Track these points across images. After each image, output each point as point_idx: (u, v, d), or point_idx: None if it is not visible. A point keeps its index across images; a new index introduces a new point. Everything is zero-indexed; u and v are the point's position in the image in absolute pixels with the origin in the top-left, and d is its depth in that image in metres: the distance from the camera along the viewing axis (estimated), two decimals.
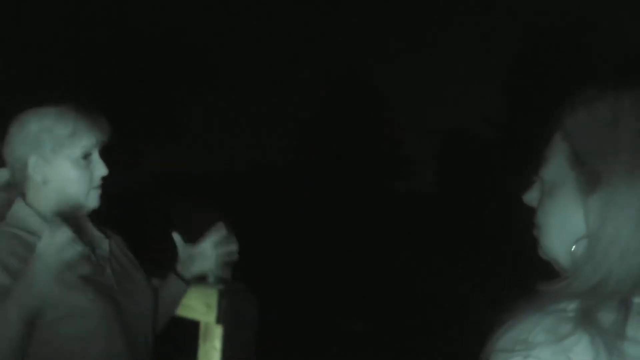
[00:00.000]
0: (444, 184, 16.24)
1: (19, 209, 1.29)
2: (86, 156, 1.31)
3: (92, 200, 1.34)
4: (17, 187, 1.33)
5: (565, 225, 0.74)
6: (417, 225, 12.33)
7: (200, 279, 2.12)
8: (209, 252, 1.56)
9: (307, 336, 6.29)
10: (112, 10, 16.10)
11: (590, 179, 0.71)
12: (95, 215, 1.42)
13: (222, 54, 17.74)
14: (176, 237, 1.55)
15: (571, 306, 0.67)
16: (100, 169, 1.33)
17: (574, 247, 0.72)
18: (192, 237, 2.10)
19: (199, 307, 2.02)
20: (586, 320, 0.65)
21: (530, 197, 0.81)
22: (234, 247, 1.58)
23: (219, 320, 1.97)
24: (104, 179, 1.35)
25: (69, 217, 1.32)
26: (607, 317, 0.65)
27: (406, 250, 10.39)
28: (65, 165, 1.29)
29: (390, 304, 7.48)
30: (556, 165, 0.76)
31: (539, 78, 13.77)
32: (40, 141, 1.27)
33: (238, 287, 2.07)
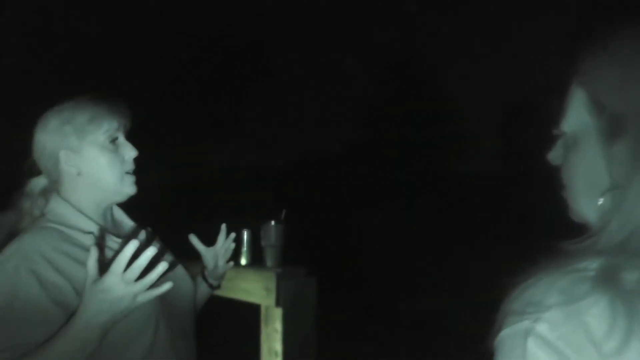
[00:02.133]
0: (509, 161, 15.80)
1: (57, 205, 1.30)
2: (112, 140, 1.31)
3: (128, 185, 1.34)
4: (54, 190, 1.33)
5: (592, 179, 0.68)
6: (483, 206, 12.07)
7: (260, 263, 2.16)
8: (218, 250, 1.56)
9: (369, 318, 6.31)
10: (169, 8, 16.46)
11: (612, 124, 0.64)
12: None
13: (277, 44, 17.75)
14: (193, 239, 1.53)
15: (593, 265, 0.61)
16: (130, 152, 1.33)
17: (600, 201, 0.66)
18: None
19: (259, 290, 2.06)
20: (606, 280, 0.59)
21: (555, 155, 0.75)
22: (230, 244, 1.56)
23: (279, 303, 2.00)
24: (136, 162, 1.34)
25: (107, 207, 1.35)
26: (631, 276, 0.59)
27: (472, 232, 10.19)
28: (93, 152, 1.29)
29: (455, 285, 7.38)
30: (576, 116, 0.70)
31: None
32: (64, 133, 1.28)
33: (297, 271, 2.09)
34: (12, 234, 1.28)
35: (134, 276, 1.09)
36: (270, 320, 2.05)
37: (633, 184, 0.62)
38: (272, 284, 2.02)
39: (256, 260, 2.15)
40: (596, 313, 0.58)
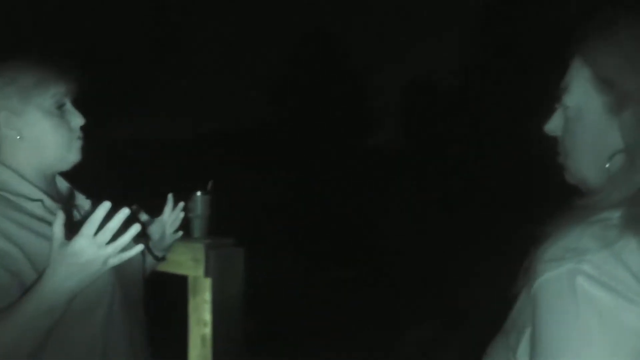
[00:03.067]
0: (412, 136, 16.38)
1: None
2: (60, 106, 1.25)
3: (74, 153, 1.29)
4: None
5: (597, 145, 0.77)
6: (389, 178, 12.49)
7: (187, 235, 2.15)
8: (165, 219, 1.55)
9: (296, 285, 6.44)
10: None
11: (619, 97, 0.74)
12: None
13: (186, 16, 17.30)
14: (135, 211, 1.48)
15: (615, 215, 0.70)
16: (77, 119, 1.27)
17: (608, 164, 0.75)
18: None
19: (187, 262, 2.05)
20: (633, 224, 0.68)
21: (553, 126, 0.84)
22: (179, 214, 1.56)
23: (207, 273, 2.00)
24: (83, 129, 1.29)
25: (50, 174, 1.30)
26: None
27: (380, 204, 10.56)
28: (37, 116, 1.23)
29: (370, 253, 7.69)
30: (579, 91, 0.79)
31: (505, 24, 13.75)
32: (6, 94, 1.21)
33: (225, 241, 2.10)
34: None
35: (106, 239, 1.05)
36: (198, 291, 2.05)
37: None
38: (201, 255, 2.01)
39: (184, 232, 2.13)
40: (630, 252, 0.67)
